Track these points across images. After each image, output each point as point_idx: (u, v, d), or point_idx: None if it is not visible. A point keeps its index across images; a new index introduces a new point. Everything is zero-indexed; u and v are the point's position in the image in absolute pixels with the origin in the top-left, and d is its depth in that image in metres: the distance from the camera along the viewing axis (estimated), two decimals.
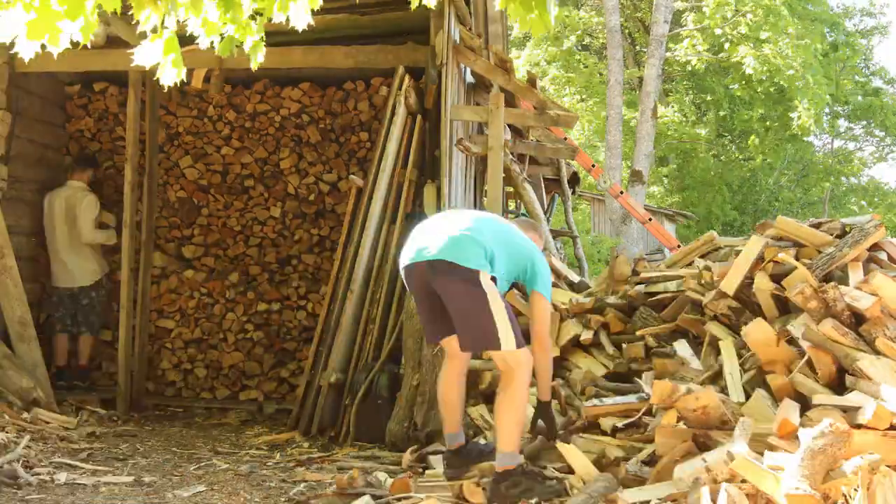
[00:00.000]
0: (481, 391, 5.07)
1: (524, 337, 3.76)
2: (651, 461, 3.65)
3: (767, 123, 21.61)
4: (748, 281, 4.41)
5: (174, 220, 7.53)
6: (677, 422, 3.64)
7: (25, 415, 5.50)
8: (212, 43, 2.58)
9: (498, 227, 3.97)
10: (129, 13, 2.47)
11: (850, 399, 3.40)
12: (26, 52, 2.25)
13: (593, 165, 10.73)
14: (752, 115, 21.43)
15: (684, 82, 23.70)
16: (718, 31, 18.11)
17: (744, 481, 2.97)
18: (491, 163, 6.02)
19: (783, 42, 17.07)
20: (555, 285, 5.64)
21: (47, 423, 5.55)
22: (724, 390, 4.00)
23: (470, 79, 7.13)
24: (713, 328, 4.50)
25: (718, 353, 4.28)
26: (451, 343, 3.95)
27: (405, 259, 3.84)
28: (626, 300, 5.21)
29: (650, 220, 10.63)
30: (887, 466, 2.80)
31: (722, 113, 22.79)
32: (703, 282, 4.73)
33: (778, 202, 24.87)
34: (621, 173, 18.25)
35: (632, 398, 4.17)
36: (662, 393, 3.64)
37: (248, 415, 6.80)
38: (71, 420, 5.78)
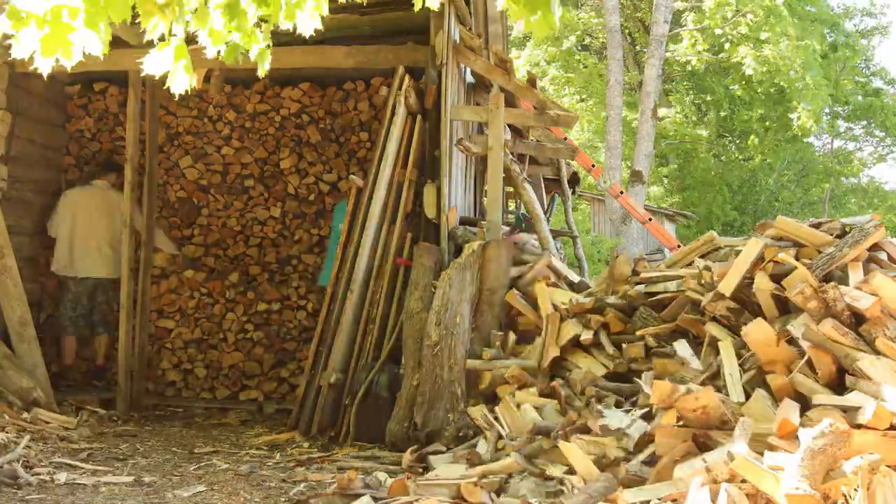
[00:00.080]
0: (481, 391, 5.07)
1: None
2: (651, 461, 3.65)
3: (767, 124, 21.61)
4: (748, 281, 4.41)
5: (174, 220, 7.54)
6: (677, 422, 3.64)
7: (25, 415, 5.50)
8: (219, 52, 2.59)
9: None
10: (136, 21, 2.47)
11: (850, 399, 3.39)
12: (44, 67, 2.28)
13: (593, 165, 10.72)
14: (751, 115, 21.43)
15: (684, 83, 23.70)
16: (718, 31, 18.11)
17: (744, 481, 2.97)
18: (491, 163, 6.02)
19: (783, 43, 17.07)
20: (555, 285, 5.64)
21: (47, 423, 5.55)
22: (722, 390, 4.00)
23: (470, 79, 7.13)
24: (713, 328, 4.49)
25: (718, 353, 4.27)
26: None
27: None
28: (626, 300, 5.21)
29: (650, 220, 10.63)
30: (887, 466, 2.80)
31: (722, 113, 22.79)
32: (703, 282, 4.73)
33: (778, 202, 24.86)
34: (621, 173, 18.25)
35: None
36: (662, 393, 3.64)
37: (248, 415, 6.80)
38: (71, 420, 5.78)
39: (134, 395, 6.76)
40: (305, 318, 7.30)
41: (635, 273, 5.41)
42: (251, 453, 5.26)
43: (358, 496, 3.75)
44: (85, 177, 7.42)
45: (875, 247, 4.46)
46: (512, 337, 5.28)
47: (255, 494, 4.20)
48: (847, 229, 4.55)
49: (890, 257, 4.50)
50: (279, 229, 7.49)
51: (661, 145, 22.03)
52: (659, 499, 3.25)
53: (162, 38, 2.44)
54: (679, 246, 8.73)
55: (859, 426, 3.17)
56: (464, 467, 4.13)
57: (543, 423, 4.45)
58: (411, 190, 6.03)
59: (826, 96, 18.89)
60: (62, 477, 4.37)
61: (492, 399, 4.99)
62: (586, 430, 4.09)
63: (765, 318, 4.20)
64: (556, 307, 5.22)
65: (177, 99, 7.52)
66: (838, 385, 3.65)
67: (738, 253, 4.61)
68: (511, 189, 7.70)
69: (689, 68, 20.67)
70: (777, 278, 4.30)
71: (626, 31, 22.16)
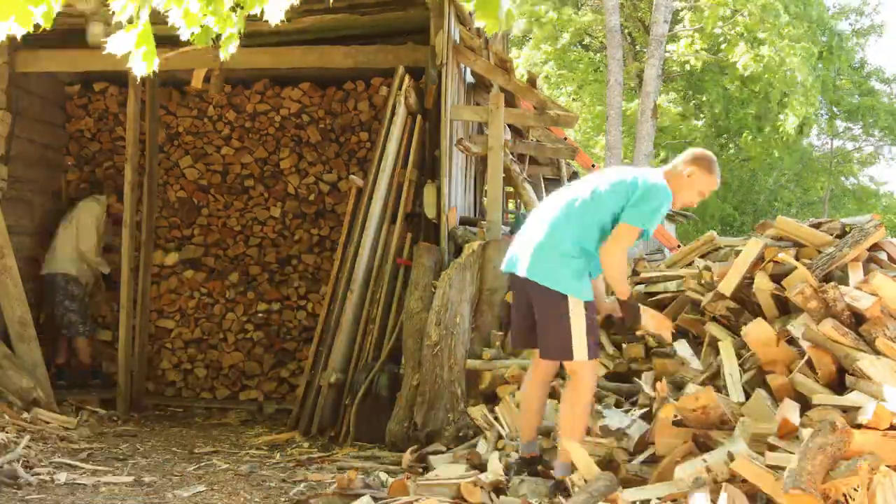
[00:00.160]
0: (481, 391, 5.07)
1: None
2: (652, 461, 3.65)
3: (761, 123, 21.60)
4: (748, 281, 4.41)
5: (174, 220, 7.54)
6: (675, 419, 3.65)
7: (25, 415, 5.50)
8: (192, 35, 2.58)
9: (573, 211, 3.84)
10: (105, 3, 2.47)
11: (850, 399, 3.40)
12: None
13: (593, 165, 10.72)
14: (745, 114, 21.42)
15: (682, 82, 23.70)
16: (718, 31, 18.10)
17: (744, 481, 2.97)
18: (491, 163, 6.02)
19: (779, 43, 17.06)
20: None
21: (47, 423, 5.55)
22: (722, 390, 4.01)
23: (470, 79, 7.13)
24: (713, 328, 4.49)
25: (718, 353, 4.28)
26: (535, 354, 4.04)
27: (503, 264, 4.02)
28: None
29: None
30: (887, 466, 2.80)
31: (717, 111, 22.77)
32: (703, 282, 4.73)
33: (777, 202, 24.86)
34: None
35: None
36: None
37: (248, 415, 6.80)
38: (71, 420, 5.78)
39: (134, 395, 6.76)
40: (305, 318, 7.30)
41: (635, 273, 5.41)
42: (251, 453, 5.26)
43: (358, 496, 3.75)
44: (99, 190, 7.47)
45: (875, 247, 4.46)
46: None
47: (255, 494, 4.20)
48: (847, 229, 4.55)
49: (890, 257, 4.50)
50: (279, 229, 7.49)
51: (662, 144, 22.03)
52: (659, 499, 3.25)
53: (130, 21, 2.44)
54: (679, 246, 8.73)
55: (859, 426, 3.17)
56: (464, 467, 4.13)
57: (543, 423, 4.45)
58: (411, 190, 6.03)
59: (815, 99, 18.87)
60: (62, 477, 4.37)
61: (492, 399, 4.99)
62: (587, 431, 4.09)
63: (765, 318, 4.20)
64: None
65: (177, 98, 7.55)
66: (838, 385, 3.65)
67: (738, 253, 4.61)
68: (511, 189, 7.70)
69: (688, 68, 20.66)
70: (777, 278, 4.30)
71: (626, 31, 22.15)
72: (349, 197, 6.30)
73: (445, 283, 5.20)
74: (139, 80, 6.71)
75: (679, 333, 4.84)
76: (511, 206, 9.42)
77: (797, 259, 4.40)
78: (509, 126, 6.90)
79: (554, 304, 3.75)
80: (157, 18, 2.66)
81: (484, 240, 5.64)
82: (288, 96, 7.47)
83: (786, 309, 4.27)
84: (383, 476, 4.18)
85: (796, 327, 3.88)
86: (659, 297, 5.12)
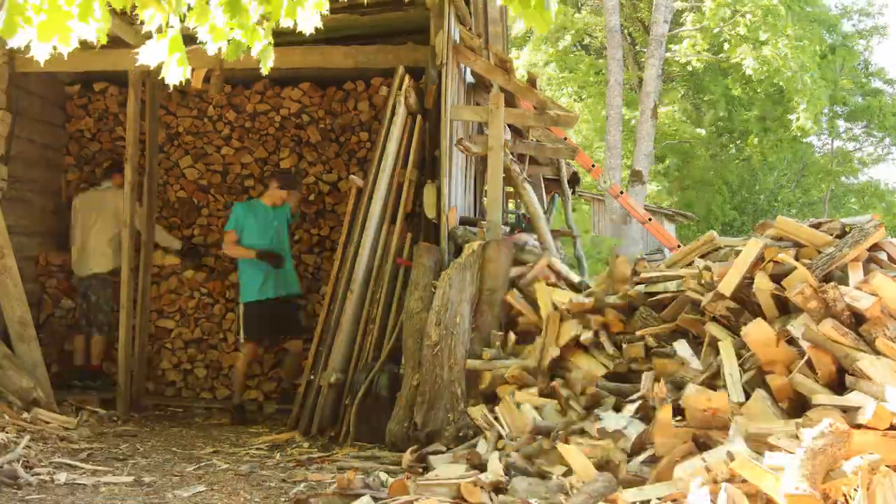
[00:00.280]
0: (481, 391, 5.06)
1: None
2: (651, 461, 3.65)
3: (766, 124, 21.61)
4: (748, 281, 4.41)
5: (174, 220, 7.53)
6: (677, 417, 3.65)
7: (25, 415, 5.50)
8: (219, 49, 2.59)
9: None
10: (133, 14, 2.47)
11: (850, 399, 3.40)
12: (40, 54, 2.27)
13: (593, 165, 10.73)
14: (750, 115, 21.44)
15: (683, 83, 23.69)
16: (717, 32, 18.10)
17: (744, 481, 2.97)
18: (491, 163, 6.02)
19: (782, 43, 17.07)
20: (555, 285, 5.64)
21: (47, 423, 5.55)
22: (721, 390, 4.00)
23: (470, 79, 7.13)
24: (713, 328, 4.49)
25: (718, 353, 4.27)
26: None
27: None
28: (626, 300, 5.21)
29: (650, 220, 10.63)
30: (887, 466, 2.80)
31: (721, 113, 22.78)
32: (703, 282, 4.73)
33: (778, 202, 24.86)
34: (621, 173, 18.25)
35: None
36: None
37: (248, 415, 6.79)
38: (71, 420, 5.78)
39: (134, 395, 6.76)
40: (305, 318, 7.29)
41: (635, 273, 5.41)
42: (251, 453, 5.26)
43: (358, 496, 3.75)
44: (95, 179, 7.44)
45: (875, 247, 4.46)
46: (512, 337, 5.28)
47: (255, 494, 4.20)
48: (847, 229, 4.55)
49: (890, 257, 4.50)
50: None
51: (662, 145, 22.03)
52: (659, 499, 3.25)
53: (159, 30, 2.44)
54: (679, 246, 8.73)
55: (859, 426, 3.17)
56: (464, 467, 4.13)
57: (543, 424, 4.46)
58: (411, 190, 6.03)
59: (824, 97, 18.88)
60: (62, 477, 4.36)
61: (492, 399, 4.99)
62: (586, 432, 4.10)
63: (765, 318, 4.20)
64: (556, 307, 5.21)
65: (177, 98, 7.55)
66: (838, 385, 3.65)
67: (738, 253, 4.61)
68: (511, 189, 7.70)
69: (690, 69, 20.67)
70: (777, 278, 4.30)
71: (626, 31, 22.15)
72: (349, 197, 6.29)
73: (445, 283, 5.20)
74: (139, 80, 6.72)
75: (679, 333, 4.84)
76: (511, 206, 9.43)
77: (797, 259, 4.40)
78: (509, 126, 6.90)
79: None
80: None
81: (484, 240, 5.64)
82: (288, 96, 7.46)
83: (786, 309, 4.27)
84: (383, 476, 4.18)
85: (796, 327, 3.88)
86: (659, 297, 5.11)
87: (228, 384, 7.20)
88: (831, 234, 4.57)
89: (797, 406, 3.66)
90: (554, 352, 4.94)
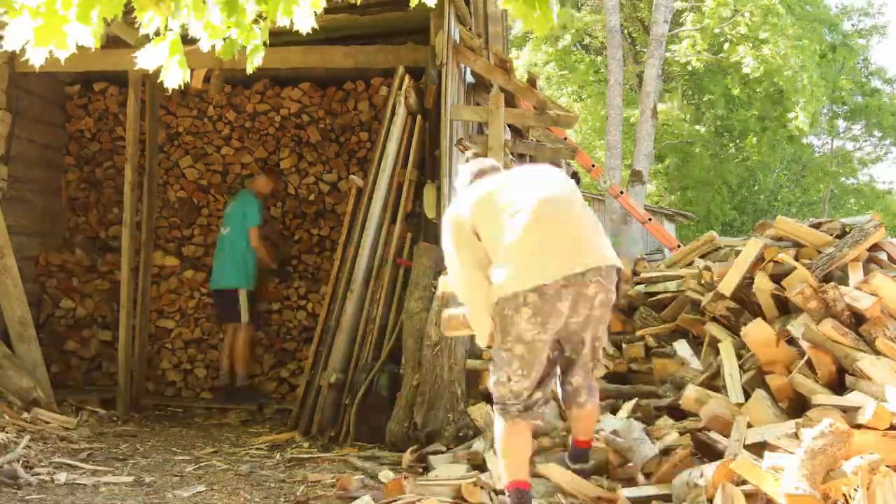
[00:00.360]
0: (481, 391, 5.06)
1: None
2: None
3: (765, 123, 21.60)
4: (748, 281, 4.41)
5: (174, 220, 7.53)
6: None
7: (25, 415, 5.50)
8: (213, 46, 2.58)
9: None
10: (132, 15, 2.47)
11: (850, 399, 3.40)
12: (36, 58, 2.28)
13: (593, 165, 10.73)
14: (749, 115, 21.43)
15: (683, 83, 23.69)
16: (717, 31, 18.10)
17: (744, 481, 2.97)
18: None
19: (782, 43, 17.06)
20: None
21: (47, 423, 5.55)
22: (722, 390, 4.01)
23: (470, 79, 7.13)
24: (713, 328, 4.50)
25: (718, 353, 4.28)
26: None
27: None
28: (626, 300, 5.21)
29: (650, 220, 10.63)
30: (887, 466, 2.80)
31: (719, 112, 22.78)
32: (703, 282, 4.73)
33: (777, 202, 24.85)
34: (621, 173, 18.25)
35: None
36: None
37: (248, 415, 6.79)
38: (71, 420, 5.78)
39: (134, 395, 6.76)
40: (305, 318, 7.30)
41: (635, 273, 5.42)
42: (251, 453, 5.26)
43: (358, 496, 3.75)
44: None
45: (875, 247, 4.46)
46: None
47: (255, 494, 4.20)
48: (847, 229, 4.55)
49: (890, 257, 4.50)
50: (279, 229, 7.49)
51: (662, 144, 22.03)
52: (658, 497, 3.25)
53: (157, 33, 2.44)
54: (679, 246, 8.73)
55: (859, 426, 3.17)
56: (464, 467, 4.13)
57: (543, 424, 4.45)
58: (411, 190, 6.03)
59: (822, 97, 18.88)
60: (62, 477, 4.36)
61: (492, 399, 4.98)
62: None
63: (765, 318, 4.20)
64: None
65: (177, 99, 7.55)
66: (838, 385, 3.66)
67: (738, 253, 4.62)
68: None
69: (690, 68, 20.66)
70: (777, 278, 4.30)
71: (626, 30, 22.14)
72: (349, 197, 6.29)
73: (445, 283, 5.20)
74: (139, 80, 6.73)
75: (679, 333, 4.85)
76: None
77: (797, 259, 4.40)
78: (509, 126, 6.90)
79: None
80: None
81: None
82: (288, 96, 7.46)
83: (786, 309, 4.27)
84: (384, 476, 4.18)
85: (796, 327, 3.88)
86: (659, 297, 5.12)
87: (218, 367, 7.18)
88: (831, 234, 4.57)
89: (797, 406, 3.67)
90: None
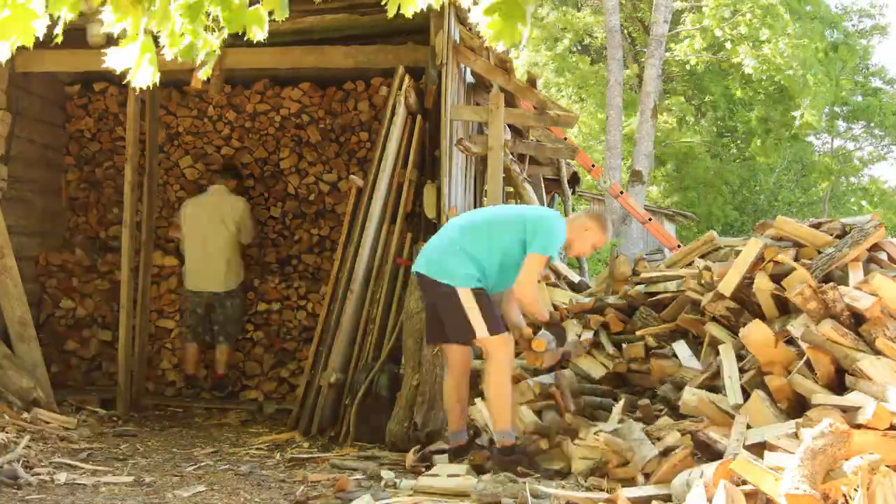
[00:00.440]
0: (481, 391, 5.06)
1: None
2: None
3: (768, 124, 21.61)
4: (748, 281, 4.41)
5: (174, 220, 7.52)
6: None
7: (25, 415, 5.50)
8: (176, 55, 2.57)
9: (479, 221, 4.59)
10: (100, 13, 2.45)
11: (850, 399, 3.40)
12: (2, 52, 2.28)
13: (593, 165, 10.72)
14: (751, 116, 21.43)
15: (683, 83, 23.68)
16: (718, 33, 18.10)
17: (744, 481, 2.97)
18: (491, 163, 6.02)
19: (783, 42, 17.06)
20: (555, 285, 5.64)
21: (47, 423, 5.55)
22: (721, 391, 4.01)
23: (470, 79, 7.13)
24: (713, 329, 4.50)
25: (718, 353, 4.28)
26: (448, 348, 4.55)
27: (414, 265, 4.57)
28: (626, 300, 5.21)
29: (650, 220, 10.63)
30: (887, 466, 2.80)
31: (720, 113, 22.78)
32: (703, 282, 4.73)
33: (778, 202, 24.85)
34: (621, 173, 18.25)
35: None
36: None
37: (248, 415, 6.79)
38: (71, 420, 5.77)
39: (134, 395, 6.76)
40: (305, 318, 7.29)
41: (635, 273, 5.42)
42: (251, 453, 5.26)
43: (358, 496, 3.75)
44: (198, 183, 7.42)
45: (875, 247, 4.46)
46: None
47: (255, 494, 4.20)
48: (847, 229, 4.56)
49: (890, 257, 4.50)
50: (279, 229, 7.49)
51: (662, 145, 22.03)
52: (659, 496, 3.25)
53: (123, 34, 2.42)
54: (679, 246, 8.73)
55: (859, 426, 3.17)
56: (465, 467, 4.13)
57: (542, 424, 4.47)
58: (411, 190, 6.02)
59: (827, 94, 18.88)
60: (62, 477, 4.36)
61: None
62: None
63: (764, 318, 4.20)
64: (556, 307, 5.22)
65: (177, 98, 7.55)
66: (838, 385, 3.66)
67: (738, 253, 4.62)
68: (511, 189, 7.70)
69: (688, 68, 20.66)
70: (777, 278, 4.30)
71: (626, 30, 22.14)
72: (349, 197, 6.29)
73: None
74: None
75: (679, 333, 4.85)
76: None
77: (797, 259, 4.40)
78: (509, 126, 6.90)
79: (443, 295, 4.33)
80: None
81: None
82: (288, 96, 7.46)
83: (786, 309, 4.27)
84: (386, 475, 4.19)
85: (796, 328, 3.88)
86: (659, 297, 5.12)
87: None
88: (831, 234, 4.58)
89: (796, 406, 3.67)
90: None
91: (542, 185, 9.46)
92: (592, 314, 5.15)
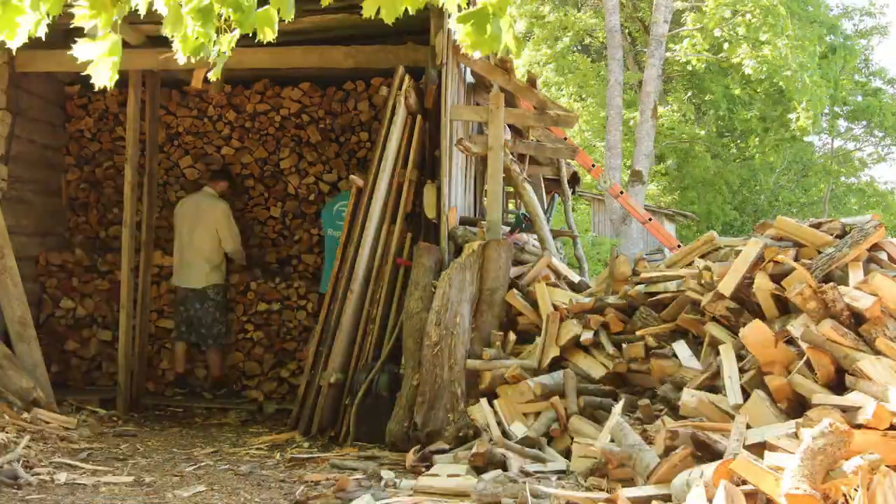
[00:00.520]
0: (481, 391, 5.06)
1: None
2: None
3: (767, 124, 21.61)
4: (748, 281, 4.41)
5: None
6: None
7: (25, 415, 5.50)
8: (189, 58, 2.58)
9: None
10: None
11: (850, 399, 3.40)
12: None
13: (593, 165, 10.72)
14: (751, 115, 21.44)
15: (683, 83, 23.68)
16: (718, 33, 18.10)
17: (744, 481, 2.97)
18: (491, 163, 6.02)
19: (782, 43, 17.07)
20: (555, 285, 5.64)
21: (47, 423, 5.55)
22: (721, 391, 4.01)
23: (470, 79, 7.13)
24: (712, 329, 4.49)
25: (718, 353, 4.28)
26: None
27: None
28: (626, 300, 5.21)
29: (650, 220, 10.63)
30: (887, 466, 2.80)
31: (721, 113, 22.79)
32: (703, 282, 4.73)
33: (778, 202, 24.87)
34: (621, 173, 18.26)
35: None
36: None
37: (248, 415, 6.79)
38: (71, 420, 5.77)
39: (134, 395, 6.76)
40: (305, 318, 7.29)
41: (635, 273, 5.41)
42: (251, 453, 5.26)
43: (358, 496, 3.75)
44: (197, 182, 7.42)
45: (875, 247, 4.46)
46: (512, 337, 5.28)
47: (255, 494, 4.20)
48: (847, 229, 4.55)
49: (890, 257, 4.50)
50: (279, 229, 7.49)
51: (661, 145, 22.03)
52: (658, 496, 3.25)
53: (93, 32, 2.43)
54: (679, 246, 8.73)
55: (859, 426, 3.17)
56: (465, 467, 4.13)
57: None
58: (411, 190, 6.02)
59: (824, 97, 18.88)
60: (62, 477, 4.36)
61: (493, 399, 4.98)
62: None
63: (764, 318, 4.20)
64: (556, 307, 5.22)
65: (177, 98, 7.55)
66: (838, 385, 3.66)
67: (738, 253, 4.61)
68: (511, 189, 7.70)
69: (690, 68, 20.66)
70: (777, 278, 4.30)
71: (626, 30, 22.14)
72: (349, 197, 6.29)
73: (445, 283, 5.20)
74: (139, 80, 6.72)
75: (679, 333, 4.84)
76: (511, 206, 9.42)
77: (797, 259, 4.40)
78: (509, 126, 6.90)
79: None
80: (156, 17, 2.64)
81: (484, 240, 5.64)
82: (288, 96, 7.46)
83: (786, 309, 4.27)
84: (387, 475, 4.19)
85: (796, 328, 3.88)
86: (659, 297, 5.11)
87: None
88: (831, 234, 4.57)
89: (796, 406, 3.67)
90: (554, 352, 4.95)
91: (542, 185, 9.46)
92: (592, 314, 5.14)
